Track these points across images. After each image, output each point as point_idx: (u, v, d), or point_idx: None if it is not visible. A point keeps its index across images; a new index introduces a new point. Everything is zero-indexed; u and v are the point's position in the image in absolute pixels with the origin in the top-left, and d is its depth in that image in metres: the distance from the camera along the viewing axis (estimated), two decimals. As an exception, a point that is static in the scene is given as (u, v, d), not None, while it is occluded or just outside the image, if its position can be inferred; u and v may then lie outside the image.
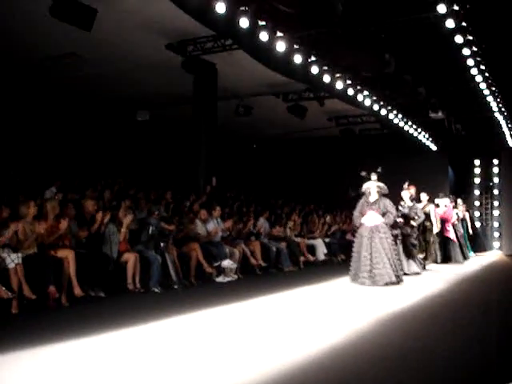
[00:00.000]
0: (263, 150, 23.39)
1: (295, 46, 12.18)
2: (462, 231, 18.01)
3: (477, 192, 23.53)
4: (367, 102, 16.40)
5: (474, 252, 19.31)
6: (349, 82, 14.83)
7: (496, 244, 22.78)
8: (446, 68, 13.59)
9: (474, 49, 12.22)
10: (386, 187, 11.05)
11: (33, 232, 8.31)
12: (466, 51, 12.27)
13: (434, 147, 22.13)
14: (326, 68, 13.59)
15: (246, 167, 22.57)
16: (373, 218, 10.77)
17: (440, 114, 16.79)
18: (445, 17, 10.68)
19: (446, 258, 16.09)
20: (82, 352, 5.38)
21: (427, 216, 14.58)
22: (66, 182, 12.46)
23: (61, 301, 8.14)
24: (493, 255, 20.62)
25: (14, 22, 11.18)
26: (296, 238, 15.03)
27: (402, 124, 19.11)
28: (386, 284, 10.16)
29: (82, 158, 15.66)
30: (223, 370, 4.80)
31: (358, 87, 15.52)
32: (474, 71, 13.54)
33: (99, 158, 16.49)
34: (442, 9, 10.51)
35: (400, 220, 12.55)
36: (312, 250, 15.48)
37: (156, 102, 17.24)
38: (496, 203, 23.20)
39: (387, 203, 10.91)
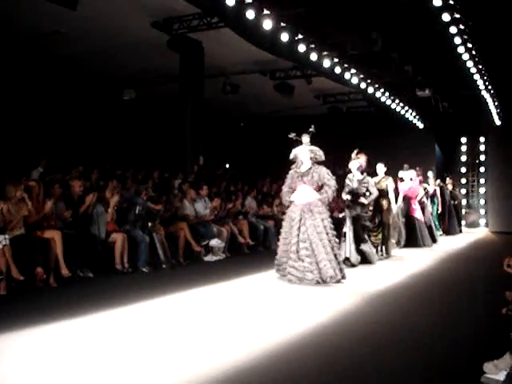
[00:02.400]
0: (250, 128, 23.35)
1: (282, 24, 12.09)
2: (431, 209, 16.42)
3: (463, 170, 23.63)
4: (354, 80, 16.35)
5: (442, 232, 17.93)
6: (336, 60, 14.75)
7: (482, 221, 22.95)
8: (433, 46, 13.55)
9: (461, 27, 12.18)
10: (321, 152, 8.80)
11: (18, 213, 8.27)
12: (452, 29, 12.22)
13: (420, 125, 22.16)
14: (313, 46, 13.51)
15: (234, 145, 22.53)
16: (305, 193, 8.63)
17: (427, 91, 16.80)
18: (431, -6, 10.65)
19: (412, 241, 14.12)
20: (70, 332, 5.41)
21: (382, 192, 11.75)
22: (53, 162, 12.38)
23: (49, 281, 8.15)
24: (479, 232, 20.74)
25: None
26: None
27: (389, 102, 19.09)
28: (318, 282, 8.08)
29: (68, 138, 15.55)
30: (209, 349, 4.85)
31: (345, 65, 15.44)
32: (460, 49, 13.51)
33: (86, 138, 16.39)
34: (429, -14, 10.50)
35: (347, 197, 10.53)
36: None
37: (142, 81, 17.12)
38: (482, 181, 23.32)
39: (323, 173, 8.61)
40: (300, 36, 12.88)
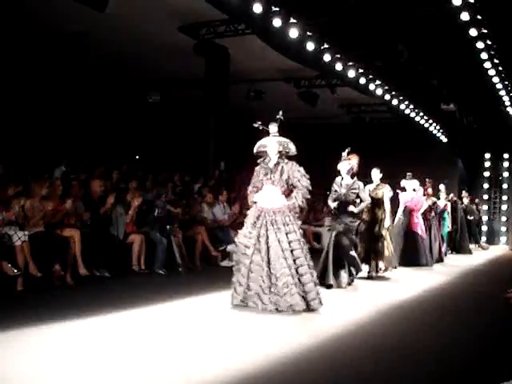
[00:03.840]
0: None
1: (308, 33, 12.12)
2: (436, 224, 14.77)
3: (486, 185, 23.43)
4: (379, 92, 16.33)
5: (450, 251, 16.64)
6: (361, 70, 14.77)
7: (503, 239, 22.71)
8: (459, 60, 13.50)
9: (488, 42, 12.13)
10: (292, 145, 7.21)
11: (41, 210, 8.38)
12: (479, 44, 12.17)
13: (444, 139, 22.04)
14: (338, 56, 13.53)
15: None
16: (270, 195, 6.92)
17: (451, 106, 16.71)
18: (460, 9, 10.60)
19: (409, 259, 12.54)
20: (84, 331, 5.45)
21: (378, 201, 10.52)
22: (76, 162, 12.51)
23: (65, 279, 8.23)
24: (498, 250, 20.39)
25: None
26: (302, 225, 15.01)
27: (413, 114, 19.03)
28: (294, 310, 6.50)
29: (92, 137, 15.70)
30: (220, 353, 4.86)
31: (370, 76, 15.44)
32: (487, 65, 13.44)
33: (109, 138, 16.53)
34: (457, 1, 10.43)
35: (334, 205, 9.01)
36: (318, 237, 15.46)
37: (168, 84, 17.23)
38: (505, 197, 23.11)
39: (294, 171, 6.94)
40: (326, 45, 12.91)
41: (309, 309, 6.59)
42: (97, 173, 11.27)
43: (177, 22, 12.86)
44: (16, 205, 8.00)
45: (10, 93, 13.69)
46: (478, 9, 10.67)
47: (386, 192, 10.68)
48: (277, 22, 11.23)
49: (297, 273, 6.62)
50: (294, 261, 6.67)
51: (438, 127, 21.06)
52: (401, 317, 7.02)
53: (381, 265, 10.49)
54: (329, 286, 8.54)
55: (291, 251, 6.69)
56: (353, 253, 8.99)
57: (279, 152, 7.08)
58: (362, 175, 10.57)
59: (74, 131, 14.85)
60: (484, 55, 12.82)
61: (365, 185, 9.62)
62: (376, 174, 10.87)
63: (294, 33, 11.64)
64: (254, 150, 7.28)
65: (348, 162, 9.12)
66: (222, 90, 14.76)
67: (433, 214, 14.42)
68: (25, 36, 12.82)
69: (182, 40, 13.31)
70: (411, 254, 12.61)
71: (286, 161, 7.05)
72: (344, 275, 8.87)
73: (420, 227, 12.93)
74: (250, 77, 16.49)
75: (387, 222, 10.59)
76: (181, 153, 17.59)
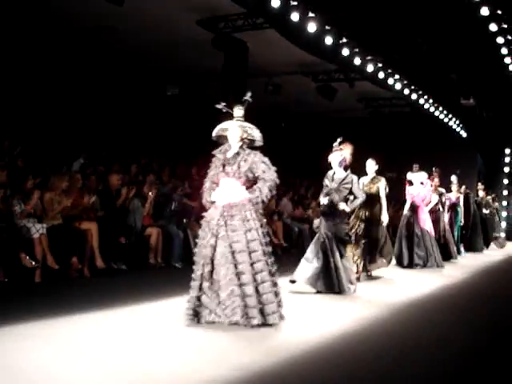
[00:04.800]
0: (291, 129, 23.32)
1: (326, 27, 12.10)
2: (447, 220, 13.91)
3: (506, 181, 23.23)
4: (398, 86, 16.24)
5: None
6: (380, 64, 14.71)
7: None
8: (479, 55, 13.39)
9: (509, 37, 12.03)
10: (258, 133, 6.22)
11: (59, 204, 8.47)
12: (499, 39, 12.08)
13: (464, 134, 21.87)
14: (356, 50, 13.48)
15: (273, 146, 22.47)
16: (229, 189, 5.87)
17: (471, 101, 16.58)
18: (479, 4, 10.53)
19: (414, 261, 11.51)
20: (102, 323, 5.51)
21: (372, 197, 9.51)
22: (94, 154, 12.60)
23: (83, 272, 8.33)
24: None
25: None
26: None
27: (432, 109, 18.90)
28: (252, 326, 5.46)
29: (111, 131, 15.78)
30: (234, 347, 4.89)
31: (389, 70, 15.37)
32: (507, 60, 13.34)
33: (127, 131, 16.61)
34: (477, -5, 10.39)
35: (324, 202, 8.01)
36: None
37: (186, 78, 17.26)
38: (525, 193, 22.88)
39: (257, 161, 5.89)
40: (344, 40, 12.87)
41: (266, 323, 5.51)
42: (115, 166, 11.34)
43: (195, 16, 12.87)
44: (35, 198, 8.09)
45: (29, 87, 13.80)
46: (498, 3, 10.58)
47: (381, 186, 9.72)
48: (295, 16, 11.23)
49: (254, 280, 5.53)
50: (252, 265, 5.55)
51: (457, 122, 20.90)
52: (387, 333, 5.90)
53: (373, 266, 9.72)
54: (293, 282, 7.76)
55: (249, 253, 5.57)
56: (343, 263, 7.87)
57: (241, 139, 6.06)
58: (380, 170, 10.30)
59: (92, 124, 14.91)
60: (504, 50, 12.73)
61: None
62: (371, 165, 9.86)
63: (312, 27, 11.63)
64: (213, 134, 6.27)
65: (340, 153, 8.11)
66: (240, 83, 14.74)
67: (440, 207, 13.36)
68: (43, 31, 12.89)
69: (200, 34, 13.31)
70: (418, 255, 11.53)
71: (248, 151, 6.02)
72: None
73: (428, 224, 11.96)
74: (268, 70, 16.46)
75: (385, 220, 9.65)
76: (198, 146, 17.60)
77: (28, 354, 4.43)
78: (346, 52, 13.23)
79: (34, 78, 13.95)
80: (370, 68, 14.43)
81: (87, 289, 7.62)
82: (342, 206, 7.94)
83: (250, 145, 6.19)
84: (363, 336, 5.64)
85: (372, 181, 9.76)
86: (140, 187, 10.09)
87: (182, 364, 4.39)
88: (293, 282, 7.80)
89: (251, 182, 5.92)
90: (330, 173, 8.17)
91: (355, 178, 8.12)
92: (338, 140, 8.17)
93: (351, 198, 8.15)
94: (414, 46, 12.52)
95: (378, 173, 9.98)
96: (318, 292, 7.78)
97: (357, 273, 9.00)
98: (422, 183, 11.90)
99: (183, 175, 12.66)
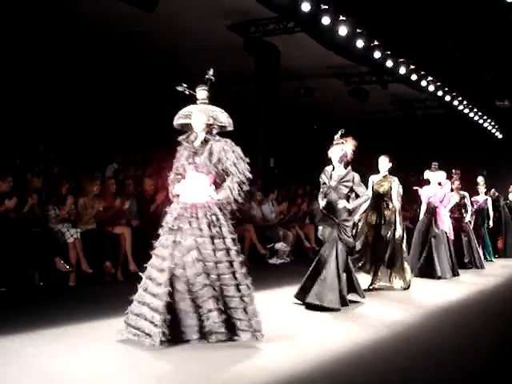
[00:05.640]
0: (323, 131, 23.23)
1: (358, 30, 12.07)
2: (477, 225, 12.98)
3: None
4: (431, 88, 16.11)
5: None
6: (412, 66, 14.61)
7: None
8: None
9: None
10: (226, 117, 5.51)
11: (93, 208, 8.60)
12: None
13: (499, 135, 21.56)
14: (388, 52, 13.43)
15: (306, 148, 22.50)
16: (194, 185, 5.19)
17: (506, 102, 16.36)
18: (513, 6, 10.41)
19: (428, 270, 10.29)
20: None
21: (382, 197, 8.60)
22: (127, 158, 12.72)
23: (116, 276, 8.43)
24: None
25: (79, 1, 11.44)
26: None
27: (466, 111, 18.68)
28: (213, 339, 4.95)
29: (144, 135, 15.94)
30: (262, 353, 4.89)
31: (422, 72, 15.25)
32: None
33: (161, 135, 16.74)
34: (510, -3, 10.26)
35: (323, 203, 7.13)
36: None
37: (217, 82, 17.34)
38: None
39: (227, 151, 5.17)
40: (376, 42, 12.83)
41: (235, 341, 4.99)
42: (148, 171, 11.45)
43: (226, 21, 12.95)
44: (68, 203, 8.23)
45: (64, 93, 14.03)
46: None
47: (394, 186, 8.58)
48: (326, 20, 11.24)
49: (222, 296, 4.94)
50: (218, 277, 4.94)
51: (492, 123, 20.62)
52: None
53: (397, 282, 8.68)
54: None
55: (215, 263, 4.95)
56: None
57: (207, 125, 5.28)
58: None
59: (125, 128, 15.09)
60: (540, 51, 12.54)
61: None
62: (384, 162, 8.76)
63: (343, 30, 11.63)
64: (174, 123, 5.51)
65: (341, 147, 7.21)
66: (272, 87, 14.79)
67: (463, 211, 12.36)
68: (76, 37, 13.09)
69: (231, 38, 13.39)
70: (434, 263, 10.28)
71: (217, 137, 5.27)
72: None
73: (447, 226, 10.92)
74: (300, 74, 16.46)
75: (399, 227, 8.46)
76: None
77: (60, 357, 4.51)
78: (377, 54, 13.20)
79: (68, 84, 14.18)
80: (402, 70, 14.35)
81: (120, 292, 7.64)
82: (342, 203, 7.03)
83: (219, 130, 5.44)
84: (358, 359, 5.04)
85: (383, 179, 8.68)
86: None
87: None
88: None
89: (222, 178, 5.21)
90: (329, 169, 7.28)
91: (357, 175, 7.21)
92: (339, 133, 7.31)
93: (353, 196, 7.25)
94: (447, 47, 12.41)
95: (394, 172, 8.90)
96: (307, 305, 6.85)
97: (371, 285, 8.42)
98: (439, 184, 10.78)
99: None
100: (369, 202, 7.63)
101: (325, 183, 7.20)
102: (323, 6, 11.15)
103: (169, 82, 16.72)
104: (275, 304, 6.95)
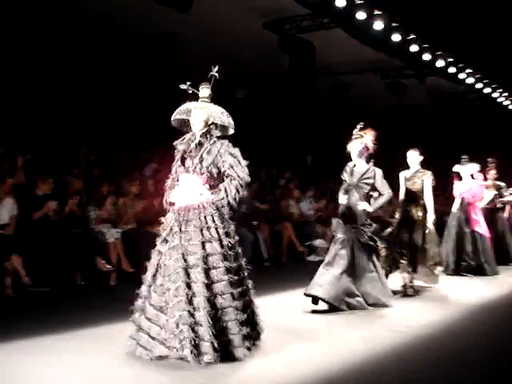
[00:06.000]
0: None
1: (393, 24, 11.98)
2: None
3: None
4: (470, 80, 15.87)
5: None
6: (450, 59, 14.41)
7: None
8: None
9: None
10: (228, 118, 5.09)
11: (132, 208, 8.72)
12: None
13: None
14: (426, 46, 13.28)
15: (344, 144, 22.30)
16: (187, 188, 4.79)
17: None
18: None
19: (464, 267, 9.77)
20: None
21: (415, 194, 7.98)
22: (166, 158, 12.81)
23: (156, 275, 8.50)
24: None
25: (110, 2, 11.57)
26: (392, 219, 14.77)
27: (507, 103, 18.34)
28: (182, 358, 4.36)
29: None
30: (300, 353, 4.89)
31: (460, 65, 15.02)
32: None
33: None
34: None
35: (342, 201, 6.76)
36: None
37: (254, 79, 17.38)
38: None
39: (224, 153, 4.81)
40: (412, 36, 12.71)
41: (230, 358, 4.40)
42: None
43: (261, 19, 12.97)
44: (108, 203, 8.36)
45: (104, 95, 14.21)
46: None
47: (426, 181, 7.97)
48: (360, 15, 11.18)
49: (213, 307, 4.40)
50: (209, 286, 4.42)
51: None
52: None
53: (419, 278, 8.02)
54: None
55: (206, 271, 4.44)
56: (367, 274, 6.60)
57: (206, 125, 4.92)
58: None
59: (164, 129, 15.23)
60: None
61: None
62: (414, 156, 8.11)
63: (378, 25, 11.55)
64: (172, 118, 5.14)
65: (360, 141, 6.77)
66: (308, 83, 14.77)
67: (499, 205, 11.33)
68: (113, 40, 13.26)
69: (266, 36, 13.40)
70: (467, 261, 9.81)
71: (214, 139, 4.88)
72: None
73: (482, 225, 10.07)
74: (336, 69, 16.39)
75: (430, 222, 7.87)
76: (268, 147, 17.71)
77: (101, 356, 4.56)
78: (414, 48, 13.07)
79: (109, 87, 14.36)
80: (440, 63, 14.16)
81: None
82: (363, 205, 6.63)
83: (220, 132, 5.10)
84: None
85: (415, 174, 8.04)
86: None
87: None
88: (314, 302, 6.46)
89: (217, 180, 4.82)
90: (350, 165, 6.87)
91: (379, 171, 6.77)
92: (359, 126, 6.85)
93: (375, 194, 6.80)
94: (485, 39, 12.18)
95: (425, 166, 8.23)
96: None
97: (404, 286, 7.79)
98: (472, 176, 10.06)
99: (252, 178, 12.71)
100: (389, 197, 6.91)
101: (345, 180, 6.81)
102: (358, 1, 11.10)
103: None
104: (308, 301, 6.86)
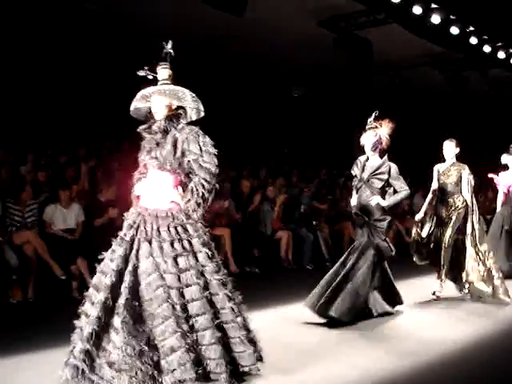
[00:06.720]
0: (421, 123, 22.71)
1: (452, 17, 11.78)
2: None
3: None
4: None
5: None
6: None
7: None
8: None
9: None
10: (192, 98, 4.30)
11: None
12: None
13: None
14: (485, 37, 13.00)
15: (403, 141, 21.96)
16: (155, 187, 4.20)
17: None
18: None
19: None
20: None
21: (451, 190, 7.23)
22: (224, 160, 12.93)
23: (218, 277, 8.58)
24: None
25: (165, 7, 11.75)
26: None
27: None
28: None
29: (239, 135, 16.18)
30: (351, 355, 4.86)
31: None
32: None
33: (256, 134, 16.94)
34: None
35: (353, 202, 6.31)
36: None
37: (310, 78, 17.35)
38: None
39: (190, 141, 4.12)
40: (471, 28, 12.47)
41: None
42: (245, 172, 11.61)
43: (316, 17, 12.94)
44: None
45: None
46: None
47: (464, 175, 7.16)
48: (417, 9, 11.07)
49: (190, 328, 3.82)
50: (184, 306, 3.86)
51: None
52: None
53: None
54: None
55: (179, 290, 3.88)
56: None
57: (170, 109, 4.24)
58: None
59: (222, 130, 15.37)
60: None
61: None
62: (450, 148, 7.30)
63: (436, 18, 11.41)
64: (131, 109, 4.42)
65: (374, 133, 6.16)
66: (366, 80, 14.65)
67: None
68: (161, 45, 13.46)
69: (322, 34, 13.36)
70: None
71: (182, 125, 4.21)
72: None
73: None
74: (393, 65, 16.20)
75: (476, 217, 7.11)
76: (327, 147, 17.65)
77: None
78: (474, 40, 12.82)
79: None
80: (501, 55, 13.84)
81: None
82: (376, 199, 6.03)
83: (191, 120, 4.44)
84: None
85: (450, 168, 7.28)
86: (268, 191, 10.29)
87: None
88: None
89: (188, 176, 4.19)
90: (362, 159, 6.30)
91: (394, 166, 6.13)
92: (373, 115, 6.27)
93: (390, 190, 6.18)
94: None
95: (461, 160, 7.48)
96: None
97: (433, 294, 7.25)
98: None
99: (311, 178, 12.73)
100: (407, 194, 6.32)
101: (355, 175, 6.28)
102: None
103: (261, 80, 16.93)
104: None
